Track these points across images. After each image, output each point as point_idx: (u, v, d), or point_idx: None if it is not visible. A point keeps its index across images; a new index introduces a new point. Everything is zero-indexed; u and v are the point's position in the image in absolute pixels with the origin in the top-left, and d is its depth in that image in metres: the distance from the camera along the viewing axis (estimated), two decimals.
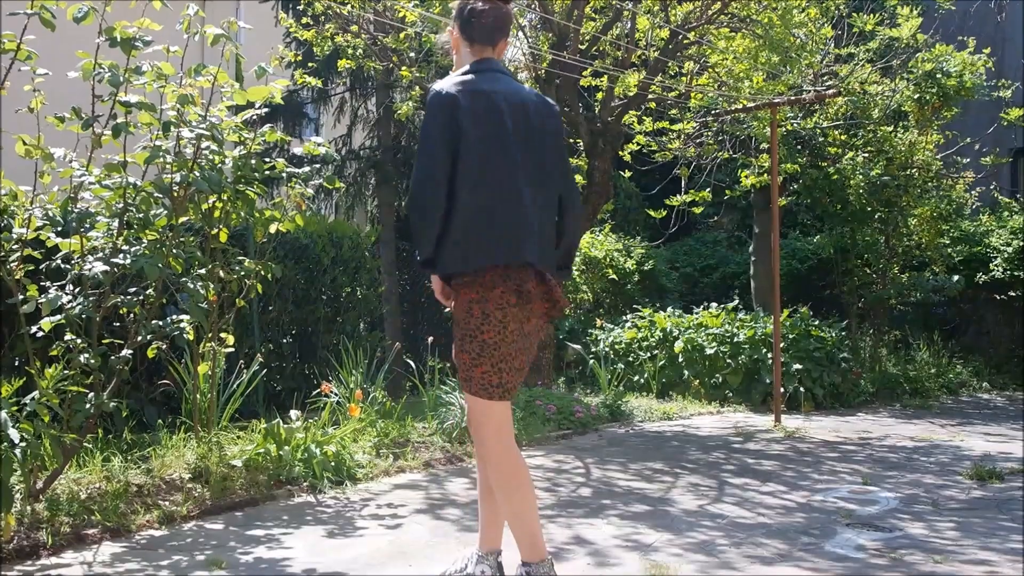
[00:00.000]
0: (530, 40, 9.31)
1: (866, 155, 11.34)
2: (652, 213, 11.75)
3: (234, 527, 4.52)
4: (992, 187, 14.03)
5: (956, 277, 11.83)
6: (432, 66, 9.37)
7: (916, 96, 10.91)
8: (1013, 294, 12.16)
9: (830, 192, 11.55)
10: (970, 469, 5.86)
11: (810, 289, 13.13)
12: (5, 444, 3.82)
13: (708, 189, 11.12)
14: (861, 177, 11.14)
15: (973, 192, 12.40)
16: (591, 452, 6.71)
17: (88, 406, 4.52)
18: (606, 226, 13.69)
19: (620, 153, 10.36)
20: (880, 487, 5.48)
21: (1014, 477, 5.73)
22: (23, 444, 3.87)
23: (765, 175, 10.94)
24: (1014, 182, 17.33)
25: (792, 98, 9.23)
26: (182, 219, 5.09)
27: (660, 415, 8.60)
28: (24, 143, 4.63)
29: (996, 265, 12.24)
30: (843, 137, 11.43)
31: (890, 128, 11.35)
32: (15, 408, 4.08)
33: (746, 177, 11.33)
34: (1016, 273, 12.05)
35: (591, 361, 10.17)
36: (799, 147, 11.62)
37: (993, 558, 3.98)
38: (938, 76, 10.81)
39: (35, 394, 4.21)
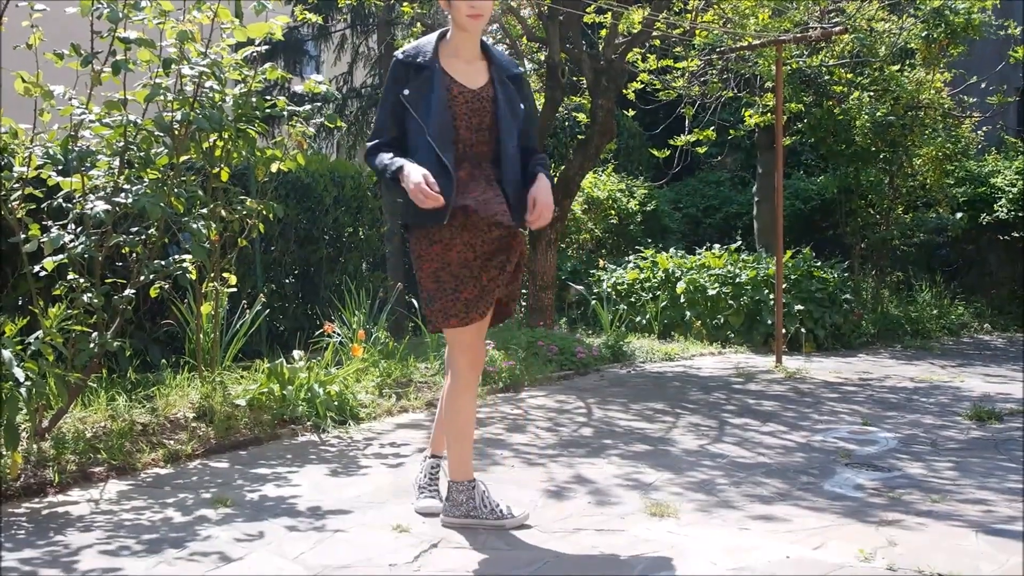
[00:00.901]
0: None
1: (872, 94, 11.23)
2: (655, 153, 11.67)
3: (239, 465, 4.57)
4: (998, 126, 13.91)
5: (959, 214, 11.77)
6: (433, 2, 9.24)
7: (923, 34, 10.76)
8: (1017, 235, 12.13)
9: (835, 132, 11.45)
10: (969, 410, 5.90)
11: (813, 230, 13.09)
12: (10, 383, 3.84)
13: (712, 128, 11.03)
14: (867, 117, 11.04)
15: (979, 132, 12.30)
16: (592, 392, 6.75)
17: (92, 345, 4.54)
18: (609, 166, 13.62)
19: (624, 92, 10.26)
20: (879, 427, 5.52)
21: (1013, 418, 5.77)
22: (28, 383, 3.89)
23: (769, 114, 10.84)
24: (1021, 121, 17.19)
25: (798, 35, 9.11)
26: (183, 158, 5.06)
27: (661, 356, 8.63)
28: (23, 80, 4.59)
29: (1000, 206, 12.19)
30: (849, 76, 11.31)
31: (896, 67, 11.21)
32: (19, 347, 4.08)
33: (750, 116, 11.23)
34: (1020, 214, 12.01)
35: (593, 302, 10.18)
36: (804, 86, 11.50)
37: (991, 497, 4.02)
38: (946, 13, 10.65)
39: (39, 333, 4.22)
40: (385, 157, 3.47)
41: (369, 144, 3.61)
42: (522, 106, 3.62)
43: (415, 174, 3.31)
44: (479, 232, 3.46)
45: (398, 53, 3.61)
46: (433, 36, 3.62)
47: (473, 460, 3.70)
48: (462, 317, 3.46)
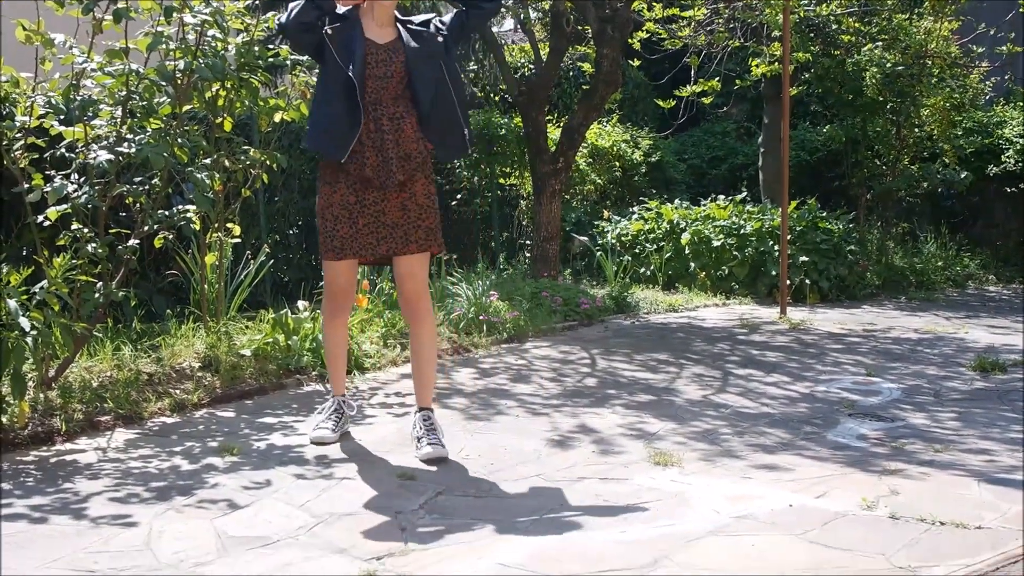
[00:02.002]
0: None
1: (880, 44, 11.10)
2: (660, 103, 11.56)
3: (245, 415, 4.59)
4: (1007, 77, 13.77)
5: (964, 173, 11.68)
6: None
7: None
8: None
9: (843, 82, 11.34)
10: (973, 361, 5.90)
11: (818, 181, 13.01)
12: (16, 333, 3.86)
13: (718, 79, 10.92)
14: (876, 68, 10.93)
15: (988, 82, 12.17)
16: (596, 343, 6.76)
17: (97, 295, 4.54)
18: (613, 116, 13.51)
19: (629, 41, 10.16)
20: (883, 378, 5.53)
21: (1017, 369, 5.77)
22: (34, 332, 3.90)
23: (776, 64, 10.73)
24: None
25: None
26: (186, 108, 5.03)
27: (666, 307, 8.63)
28: (24, 28, 4.54)
29: (1008, 157, 12.10)
30: (857, 25, 11.17)
31: (905, 16, 11.08)
32: (24, 297, 4.09)
33: (757, 66, 11.12)
34: None
35: (597, 253, 10.16)
36: (812, 35, 11.37)
37: (993, 447, 4.04)
38: None
39: (44, 283, 4.23)
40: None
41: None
42: (441, 62, 3.91)
43: None
44: (364, 182, 3.83)
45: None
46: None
47: (477, 409, 3.72)
48: (336, 252, 3.87)
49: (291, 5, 3.78)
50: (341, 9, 3.80)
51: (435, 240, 3.95)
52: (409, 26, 3.95)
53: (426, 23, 3.98)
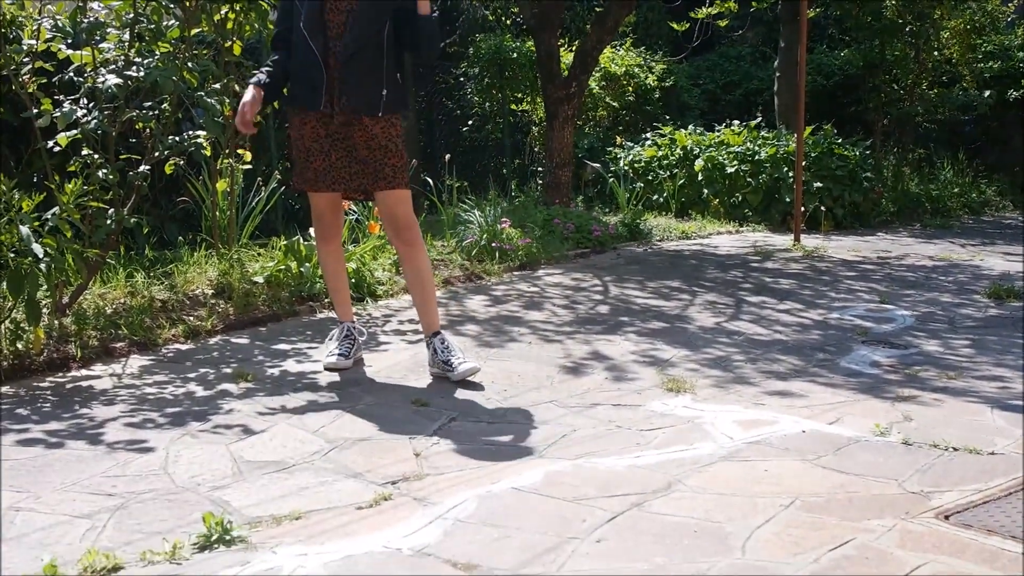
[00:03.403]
0: None
1: None
2: (675, 26, 11.38)
3: (259, 341, 4.61)
4: None
5: (988, 92, 11.50)
6: None
7: None
8: None
9: (861, 3, 11.11)
10: (988, 288, 5.87)
11: (835, 106, 12.83)
12: (29, 259, 3.85)
13: (734, 0, 10.72)
14: None
15: (1010, 3, 11.91)
16: (609, 270, 6.74)
17: (109, 222, 4.53)
18: (627, 40, 13.31)
19: None
20: (896, 305, 5.51)
21: None
22: (47, 259, 3.89)
23: None
24: None
25: None
26: (194, 31, 4.96)
27: (678, 234, 8.60)
28: None
29: None
30: None
31: None
32: (37, 223, 4.08)
33: None
34: None
35: (610, 180, 10.09)
36: None
37: (1007, 374, 4.03)
38: None
39: (56, 209, 4.21)
40: (264, 67, 4.01)
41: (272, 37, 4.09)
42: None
43: (245, 95, 3.87)
44: (325, 117, 3.87)
45: None
46: None
47: (489, 336, 3.71)
48: (311, 184, 3.95)
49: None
50: None
51: (403, 179, 3.94)
52: None
53: None
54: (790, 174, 9.00)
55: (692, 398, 3.70)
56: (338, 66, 3.79)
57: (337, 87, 3.81)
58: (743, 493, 2.74)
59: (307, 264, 5.44)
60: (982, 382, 3.92)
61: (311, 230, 5.84)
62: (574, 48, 9.90)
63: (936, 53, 11.47)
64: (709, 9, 10.77)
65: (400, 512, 2.63)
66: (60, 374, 4.01)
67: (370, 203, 6.74)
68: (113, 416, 3.46)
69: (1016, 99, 11.97)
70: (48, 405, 3.60)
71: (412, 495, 2.74)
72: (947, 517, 2.54)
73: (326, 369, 4.06)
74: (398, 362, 4.24)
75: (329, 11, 3.80)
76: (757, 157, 9.52)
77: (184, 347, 4.48)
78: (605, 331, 4.87)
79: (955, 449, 3.08)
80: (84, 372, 4.05)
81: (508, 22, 12.93)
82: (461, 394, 3.76)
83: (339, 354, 4.10)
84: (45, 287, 4.30)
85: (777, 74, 12.13)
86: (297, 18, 3.83)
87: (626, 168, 10.45)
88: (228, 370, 4.08)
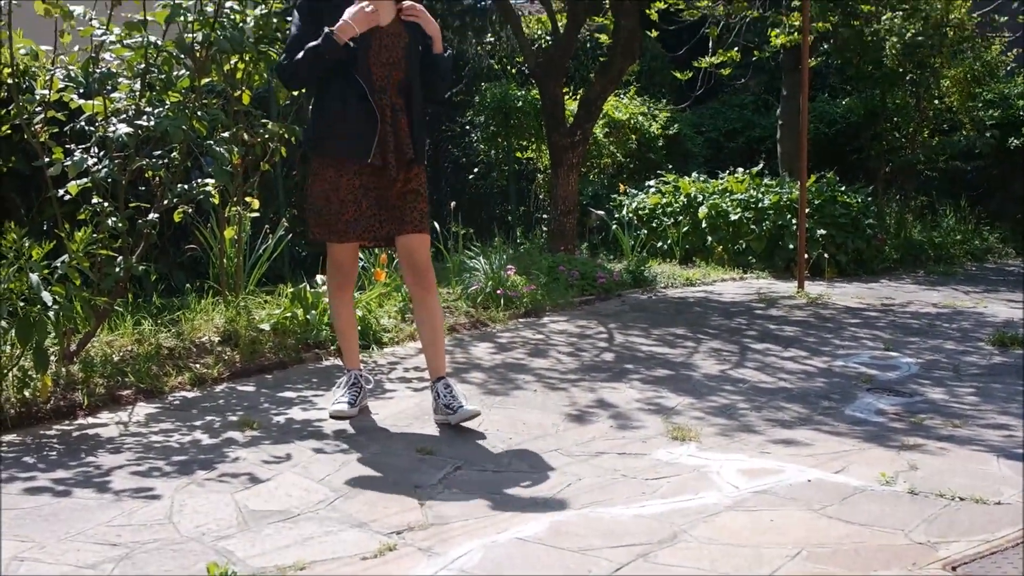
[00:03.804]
0: None
1: (901, 13, 10.97)
2: (678, 75, 11.50)
3: (265, 389, 4.62)
4: None
5: (988, 133, 11.56)
6: None
7: None
8: None
9: (863, 53, 11.22)
10: (992, 335, 5.88)
11: (837, 154, 12.90)
12: (38, 307, 3.88)
13: (736, 49, 10.84)
14: (896, 38, 10.81)
15: (1009, 53, 12.03)
16: (614, 317, 6.76)
17: (118, 269, 4.57)
18: (631, 89, 13.43)
19: (647, 12, 10.08)
20: (901, 353, 5.51)
21: None
22: (56, 307, 3.92)
23: (796, 34, 10.64)
24: None
25: None
26: (204, 80, 5.03)
27: (683, 281, 8.62)
28: (43, 1, 4.54)
29: None
30: None
31: None
32: (46, 271, 4.12)
33: (776, 36, 11.03)
34: None
35: (614, 227, 10.14)
36: (831, 4, 11.25)
37: (1012, 422, 4.03)
38: None
39: (65, 257, 4.25)
40: (305, 50, 3.77)
41: (281, 62, 3.97)
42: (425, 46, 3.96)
43: (352, 10, 3.72)
44: (370, 167, 3.87)
45: None
46: None
47: (495, 384, 3.72)
48: (340, 235, 3.94)
49: (297, 66, 3.82)
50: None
51: (426, 224, 4.01)
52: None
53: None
54: (793, 221, 9.04)
55: (697, 446, 3.71)
56: (390, 117, 3.84)
57: (391, 138, 3.85)
58: (749, 544, 2.74)
59: (313, 311, 5.46)
60: (987, 430, 3.92)
61: (318, 277, 5.91)
62: (578, 96, 9.99)
63: (937, 101, 11.56)
64: (712, 58, 10.90)
65: (405, 562, 2.63)
66: (67, 422, 4.02)
67: (377, 250, 6.79)
68: (119, 464, 3.47)
69: (1017, 147, 12.04)
70: (55, 453, 3.61)
71: (417, 545, 2.74)
72: (954, 568, 2.54)
73: (331, 417, 4.07)
74: (403, 410, 4.25)
75: (372, 63, 3.83)
76: (760, 204, 9.56)
77: (190, 395, 4.49)
78: (610, 378, 4.88)
79: (961, 499, 3.08)
80: (91, 420, 4.06)
81: (513, 71, 13.06)
82: (466, 442, 3.77)
83: (345, 402, 4.11)
84: (53, 335, 4.32)
85: (779, 122, 12.23)
86: (337, 69, 3.81)
87: (630, 215, 10.50)
88: (234, 418, 4.09)
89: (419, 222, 3.95)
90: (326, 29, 3.71)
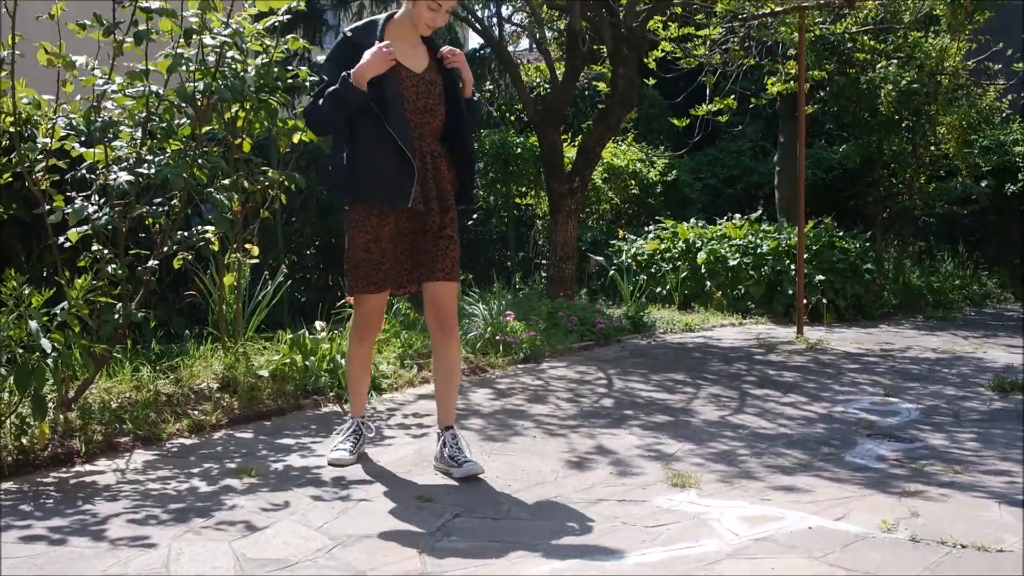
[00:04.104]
0: None
1: (896, 61, 11.09)
2: (676, 122, 11.60)
3: (263, 436, 4.60)
4: (1023, 94, 13.74)
5: (985, 181, 11.64)
6: None
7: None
8: None
9: (859, 100, 11.33)
10: (992, 381, 5.87)
11: (835, 200, 12.99)
12: (37, 354, 3.88)
13: (733, 97, 10.94)
14: (891, 86, 10.92)
15: (1004, 100, 12.15)
16: (613, 363, 6.75)
17: (117, 316, 4.57)
18: (629, 135, 13.54)
19: (644, 60, 10.19)
20: (901, 398, 5.50)
21: None
22: (55, 354, 3.92)
23: (792, 82, 10.75)
24: None
25: (821, 2, 9.01)
26: (205, 129, 5.06)
27: (682, 326, 8.63)
28: (46, 51, 4.59)
29: None
30: (872, 43, 11.18)
31: (921, 33, 11.08)
32: (46, 318, 4.12)
33: (772, 84, 11.14)
34: None
35: (613, 273, 10.17)
36: (827, 53, 11.38)
37: (1013, 468, 4.01)
38: None
39: (65, 304, 4.25)
40: (325, 95, 3.76)
41: (307, 107, 3.95)
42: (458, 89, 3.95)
43: (369, 53, 3.66)
44: (412, 213, 3.85)
45: (347, 31, 3.92)
46: (380, 18, 3.92)
47: (494, 430, 3.71)
48: (379, 285, 3.91)
49: (320, 111, 3.80)
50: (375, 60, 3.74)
51: (457, 272, 3.97)
52: (435, 46, 3.97)
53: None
54: (792, 267, 9.07)
55: (697, 493, 3.68)
56: (430, 163, 3.85)
57: (432, 184, 3.84)
58: None
59: (312, 357, 5.46)
60: (989, 476, 3.90)
61: (317, 324, 5.92)
62: (577, 143, 10.07)
63: (933, 148, 11.65)
64: (709, 106, 10.99)
65: None
66: (64, 469, 4.00)
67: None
68: (116, 512, 3.45)
69: (1014, 192, 12.11)
70: (51, 501, 3.59)
71: None
72: None
73: (330, 464, 4.05)
74: (403, 457, 4.23)
75: (409, 110, 3.80)
76: (759, 250, 9.60)
77: (188, 442, 4.48)
78: (610, 424, 4.86)
79: (963, 546, 3.06)
80: (88, 467, 4.04)
81: (512, 118, 13.17)
82: (465, 490, 3.75)
83: (345, 449, 4.09)
84: (52, 382, 4.32)
85: (777, 168, 12.32)
86: (366, 111, 3.76)
87: (629, 261, 10.53)
88: (232, 465, 4.07)
89: (451, 270, 3.91)
90: (347, 74, 3.69)
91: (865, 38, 11.11)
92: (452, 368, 3.98)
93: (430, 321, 3.98)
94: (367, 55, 3.69)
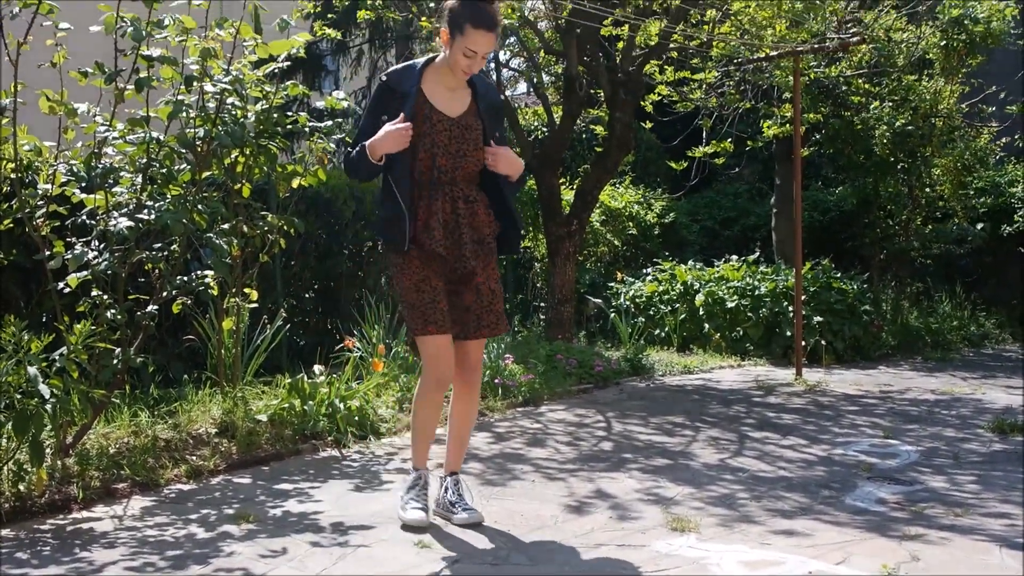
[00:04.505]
0: None
1: (890, 104, 11.19)
2: (673, 165, 11.67)
3: (261, 481, 4.59)
4: (1016, 136, 13.86)
5: (980, 225, 11.72)
6: None
7: (943, 43, 10.74)
8: None
9: (854, 142, 11.42)
10: (991, 422, 5.86)
11: (832, 241, 13.04)
12: (36, 400, 3.88)
13: (730, 140, 11.02)
14: (886, 127, 11.01)
15: (998, 142, 12.24)
16: (612, 406, 6.75)
17: (115, 362, 4.57)
18: (626, 178, 13.62)
19: (641, 104, 10.27)
20: (901, 440, 5.50)
21: None
22: (53, 400, 3.92)
23: (787, 125, 10.84)
24: None
25: (815, 46, 9.11)
26: (205, 174, 5.10)
27: (681, 369, 8.62)
28: (48, 99, 4.64)
29: (1021, 216, 12.12)
30: (867, 86, 11.29)
31: (915, 76, 11.19)
32: (44, 364, 4.12)
33: (768, 127, 11.23)
34: None
35: (612, 315, 10.18)
36: (822, 96, 11.49)
37: (1014, 511, 4.00)
38: (966, 23, 10.63)
39: (64, 350, 4.26)
40: (357, 149, 3.75)
41: (347, 152, 3.89)
42: (497, 134, 3.85)
43: (384, 129, 3.63)
44: (445, 260, 3.74)
45: (384, 75, 3.86)
46: (421, 60, 3.85)
47: (492, 475, 3.70)
48: (439, 325, 3.70)
49: (351, 162, 3.78)
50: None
51: (502, 322, 3.84)
52: (478, 88, 3.86)
53: (497, 108, 3.92)
54: (790, 308, 9.09)
55: (697, 537, 3.67)
56: (463, 208, 3.75)
57: (466, 230, 3.74)
58: None
59: (311, 402, 5.45)
60: (989, 519, 3.89)
61: (315, 368, 5.91)
62: (575, 186, 10.12)
63: (928, 190, 11.72)
64: (706, 148, 11.07)
65: None
66: (61, 516, 3.98)
67: (375, 339, 6.81)
68: (113, 560, 3.43)
69: (1009, 234, 12.17)
70: (48, 548, 3.57)
71: None
72: None
73: (405, 528, 3.78)
74: None
75: (439, 154, 3.71)
76: (757, 292, 9.63)
77: (186, 487, 4.46)
78: (609, 468, 4.85)
79: None
80: (85, 514, 4.02)
81: None
82: (464, 535, 3.73)
83: (419, 507, 3.81)
84: (50, 428, 4.31)
85: (774, 210, 12.38)
86: (405, 156, 3.70)
87: (628, 303, 10.55)
88: (230, 511, 4.05)
89: (494, 325, 3.80)
90: (366, 144, 3.67)
91: (860, 81, 11.22)
92: (467, 417, 3.94)
93: (458, 371, 3.85)
94: (384, 131, 3.63)
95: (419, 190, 3.73)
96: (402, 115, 3.67)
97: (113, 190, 4.81)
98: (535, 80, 10.05)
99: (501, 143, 3.84)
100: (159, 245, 4.97)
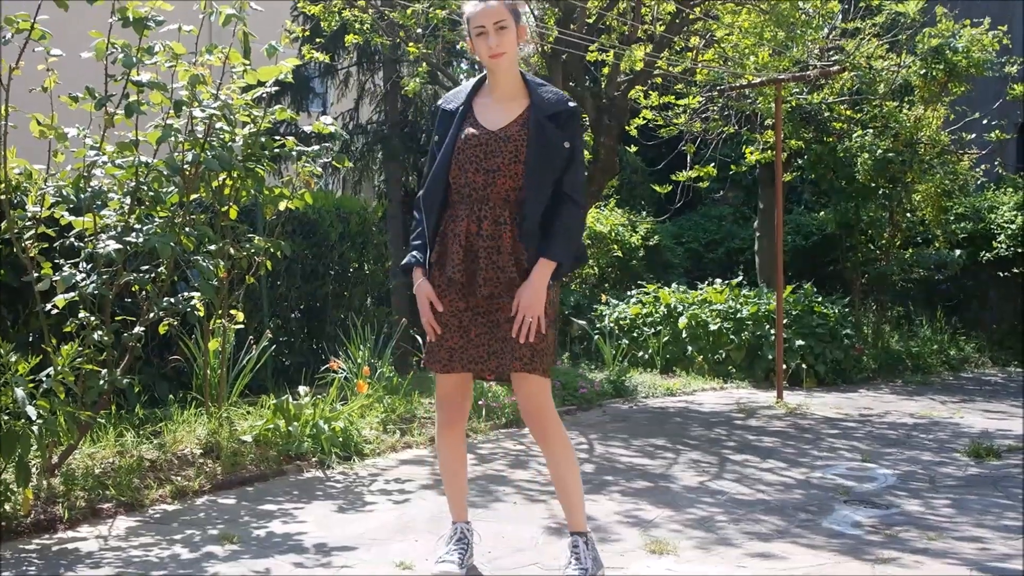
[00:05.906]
0: (536, 15, 9.33)
1: (872, 131, 11.34)
2: (657, 188, 11.79)
3: (246, 502, 4.63)
4: (996, 163, 14.03)
5: (958, 252, 11.87)
6: (438, 41, 9.38)
7: (923, 72, 10.90)
8: (1016, 271, 12.20)
9: (835, 168, 11.57)
10: (967, 446, 5.95)
11: (814, 265, 13.18)
12: (23, 421, 3.92)
13: (713, 164, 11.15)
14: (867, 154, 11.15)
15: (978, 169, 12.40)
16: (595, 428, 6.80)
17: (102, 382, 4.61)
18: (611, 201, 13.73)
19: (626, 128, 10.38)
20: (878, 464, 5.57)
21: (1011, 454, 5.82)
22: (39, 421, 3.96)
23: (770, 151, 10.97)
24: (1020, 157, 17.30)
25: (797, 74, 9.25)
26: (193, 197, 5.15)
27: (663, 391, 8.69)
28: (38, 123, 4.69)
29: (1000, 242, 12.28)
30: (848, 112, 11.44)
31: (896, 103, 11.34)
32: (31, 385, 4.16)
33: (751, 153, 11.36)
34: (1020, 250, 12.09)
35: (596, 337, 10.25)
36: (804, 123, 11.63)
37: (987, 535, 4.07)
38: (946, 52, 10.80)
39: (50, 371, 4.30)
40: (413, 236, 3.58)
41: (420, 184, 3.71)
42: (566, 144, 3.41)
43: (424, 299, 3.44)
44: (472, 288, 3.41)
45: (440, 101, 3.65)
46: (472, 81, 3.63)
47: (475, 496, 3.74)
48: (444, 364, 3.44)
49: (418, 201, 3.56)
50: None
51: (541, 363, 3.36)
52: (534, 98, 3.48)
53: (557, 117, 3.44)
54: (772, 331, 9.18)
55: (675, 560, 3.73)
56: (487, 230, 3.41)
57: (495, 255, 3.39)
58: None
59: (295, 423, 5.49)
60: (962, 543, 3.96)
61: (300, 389, 5.95)
62: None
63: (909, 215, 11.86)
64: (690, 172, 11.19)
65: None
66: (47, 536, 4.01)
67: (360, 361, 6.85)
68: None
69: (989, 259, 12.32)
70: (33, 568, 3.60)
71: None
72: None
73: None
74: (384, 523, 4.26)
75: (472, 170, 3.41)
76: (739, 315, 9.72)
77: (171, 507, 4.49)
78: (590, 490, 4.90)
79: None
80: (71, 534, 4.05)
81: None
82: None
83: (453, 562, 3.49)
84: (35, 448, 4.34)
85: (757, 234, 12.49)
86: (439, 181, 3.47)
87: (611, 325, 10.62)
88: (214, 531, 4.09)
89: (529, 359, 3.33)
90: (415, 258, 3.50)
91: (841, 108, 11.36)
92: (557, 469, 3.49)
93: (525, 420, 3.55)
94: (420, 296, 3.45)
95: (450, 210, 3.47)
96: (435, 297, 3.44)
97: (101, 212, 4.86)
98: None
99: (567, 158, 3.42)
100: (146, 267, 5.02)
